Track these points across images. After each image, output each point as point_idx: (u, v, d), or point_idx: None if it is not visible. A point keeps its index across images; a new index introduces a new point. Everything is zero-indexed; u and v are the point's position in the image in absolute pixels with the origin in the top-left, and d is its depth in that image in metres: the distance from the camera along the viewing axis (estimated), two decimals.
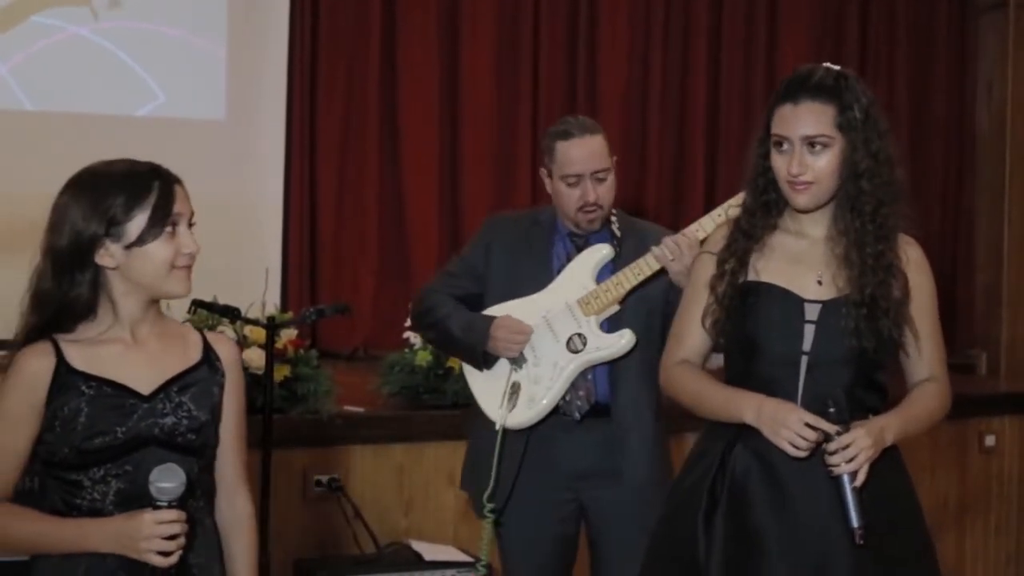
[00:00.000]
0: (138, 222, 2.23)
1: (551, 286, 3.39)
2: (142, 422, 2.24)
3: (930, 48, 7.06)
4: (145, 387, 2.26)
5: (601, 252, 3.37)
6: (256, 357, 4.08)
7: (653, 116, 6.58)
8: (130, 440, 2.23)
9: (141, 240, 2.23)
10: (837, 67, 2.60)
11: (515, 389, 3.37)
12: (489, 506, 3.38)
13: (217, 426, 2.34)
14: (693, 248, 3.14)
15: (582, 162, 3.36)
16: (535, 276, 3.41)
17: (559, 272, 3.41)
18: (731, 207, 3.11)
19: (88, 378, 2.23)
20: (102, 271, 2.24)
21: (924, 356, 2.63)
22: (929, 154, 6.77)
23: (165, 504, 2.17)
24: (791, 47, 6.74)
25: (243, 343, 4.17)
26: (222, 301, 3.92)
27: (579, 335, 3.33)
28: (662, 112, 6.61)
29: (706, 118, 6.68)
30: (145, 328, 2.30)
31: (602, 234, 3.43)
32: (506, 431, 3.38)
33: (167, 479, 2.17)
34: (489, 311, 3.43)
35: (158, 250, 2.25)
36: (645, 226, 3.52)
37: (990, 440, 5.43)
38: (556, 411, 3.37)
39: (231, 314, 3.89)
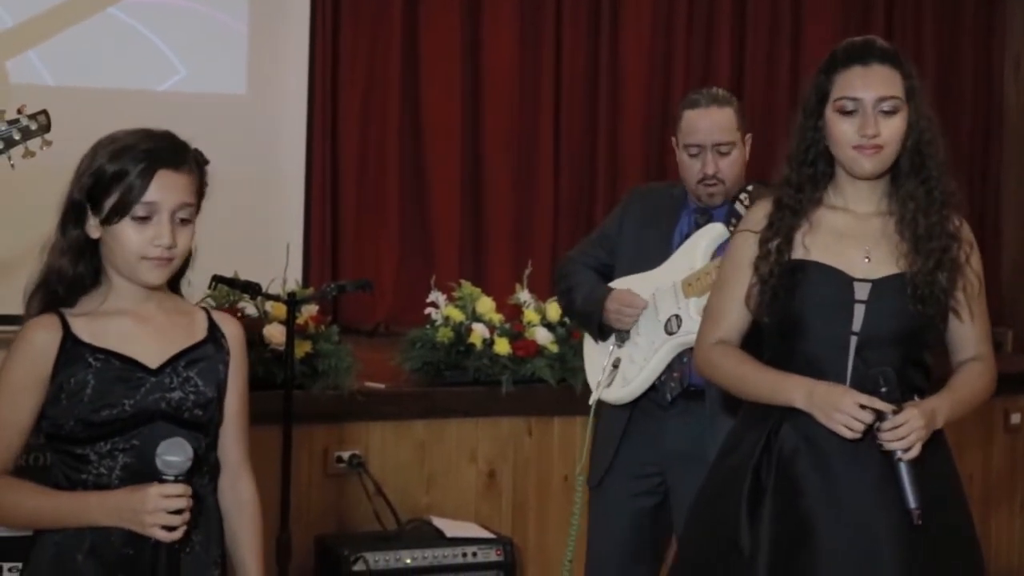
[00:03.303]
0: (111, 199, 2.17)
1: (667, 263, 3.35)
2: (150, 396, 2.21)
3: (957, 21, 6.99)
4: (152, 361, 2.23)
5: (714, 232, 3.29)
6: (277, 333, 4.07)
7: (676, 95, 6.53)
8: (137, 413, 2.20)
9: (109, 219, 2.18)
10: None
11: (616, 364, 3.37)
12: (580, 479, 3.42)
13: (222, 404, 2.31)
14: None
15: (704, 132, 3.30)
16: (657, 250, 3.37)
17: (678, 248, 3.37)
18: None
19: (95, 350, 2.20)
20: (99, 242, 2.22)
21: (973, 332, 2.60)
22: (956, 129, 6.72)
23: (172, 478, 2.14)
24: (817, 24, 6.69)
25: (264, 319, 4.16)
26: (243, 277, 3.91)
27: (676, 316, 3.28)
28: (686, 87, 6.55)
29: (730, 92, 6.61)
30: (152, 303, 2.27)
31: (724, 211, 3.35)
32: (604, 406, 3.39)
33: (174, 453, 2.15)
34: (612, 284, 3.43)
35: (125, 235, 2.18)
36: None
37: (1015, 418, 5.39)
38: (654, 390, 3.34)
39: (252, 290, 3.89)
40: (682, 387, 3.31)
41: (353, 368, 4.26)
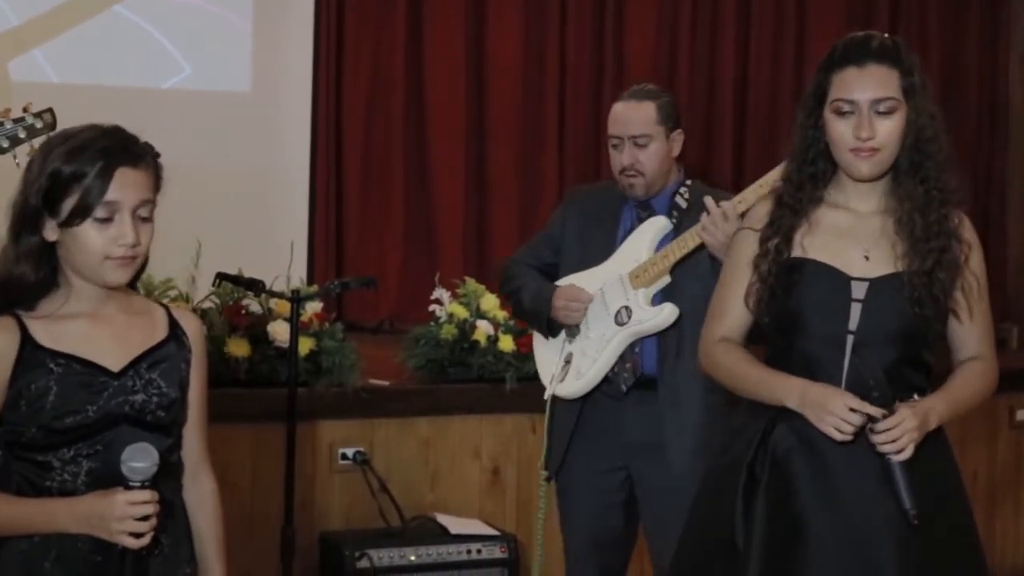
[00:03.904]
0: (70, 202, 2.12)
1: (612, 258, 3.42)
2: (112, 400, 2.17)
3: (962, 18, 6.98)
4: (114, 364, 2.19)
5: (658, 224, 3.38)
6: (281, 330, 4.08)
7: (681, 90, 6.53)
8: (101, 418, 2.16)
9: (70, 221, 2.12)
10: (886, 35, 2.56)
11: (568, 359, 3.43)
12: (543, 474, 3.48)
13: (186, 403, 2.28)
14: (729, 220, 3.13)
15: (620, 125, 3.42)
16: (602, 246, 3.45)
17: (622, 243, 3.44)
18: (771, 177, 3.10)
19: (56, 355, 2.15)
20: (56, 245, 2.16)
21: (973, 331, 2.57)
22: (961, 126, 6.70)
23: (138, 484, 2.09)
24: (821, 19, 6.68)
25: (268, 316, 4.17)
26: (247, 274, 3.92)
27: (626, 307, 3.35)
28: (690, 86, 6.56)
29: (734, 91, 6.63)
30: (111, 304, 2.23)
31: (664, 205, 3.43)
32: (557, 400, 3.45)
33: (139, 459, 2.10)
34: (558, 282, 3.49)
35: (87, 237, 2.13)
36: (720, 197, 3.38)
37: (1021, 415, 5.38)
38: (607, 382, 3.39)
39: (256, 287, 3.89)
40: (635, 377, 3.37)
41: (357, 365, 4.26)
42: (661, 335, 3.34)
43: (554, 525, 3.62)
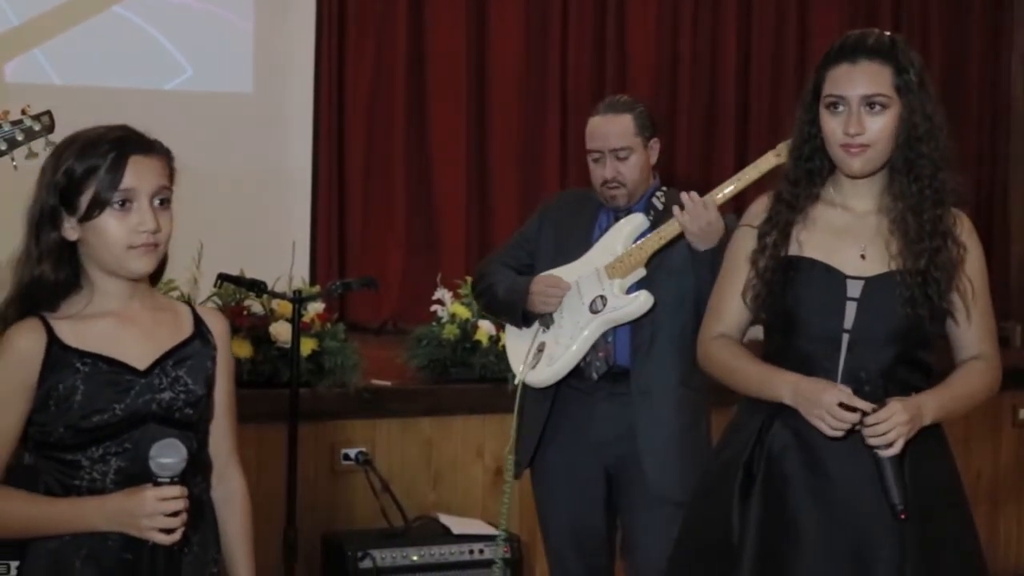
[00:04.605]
0: (87, 195, 2.13)
1: (588, 254, 3.45)
2: (140, 398, 2.18)
3: (965, 15, 6.98)
4: (140, 362, 2.20)
5: (635, 221, 3.42)
6: (283, 331, 4.08)
7: (682, 90, 6.53)
8: (128, 417, 2.17)
9: (89, 214, 2.14)
10: (887, 32, 2.55)
11: (540, 348, 3.44)
12: (510, 459, 3.49)
13: (212, 400, 2.29)
14: (708, 209, 3.18)
15: (600, 139, 3.45)
16: (577, 245, 3.48)
17: (598, 241, 3.47)
18: (750, 172, 3.25)
19: (82, 355, 2.16)
20: (77, 244, 2.18)
21: (973, 331, 2.55)
22: (963, 124, 6.70)
23: (167, 480, 2.11)
24: (823, 16, 6.68)
25: (270, 317, 4.17)
26: (249, 275, 3.91)
27: (601, 297, 3.37)
28: (691, 86, 6.56)
29: (736, 86, 6.62)
30: (136, 303, 2.24)
31: (643, 204, 3.47)
32: (529, 389, 3.46)
33: (168, 454, 2.11)
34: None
35: (109, 226, 2.14)
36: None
37: None
38: (579, 375, 3.40)
39: (257, 288, 3.89)
40: (608, 366, 3.38)
41: (359, 366, 4.27)
42: (635, 326, 3.36)
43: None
